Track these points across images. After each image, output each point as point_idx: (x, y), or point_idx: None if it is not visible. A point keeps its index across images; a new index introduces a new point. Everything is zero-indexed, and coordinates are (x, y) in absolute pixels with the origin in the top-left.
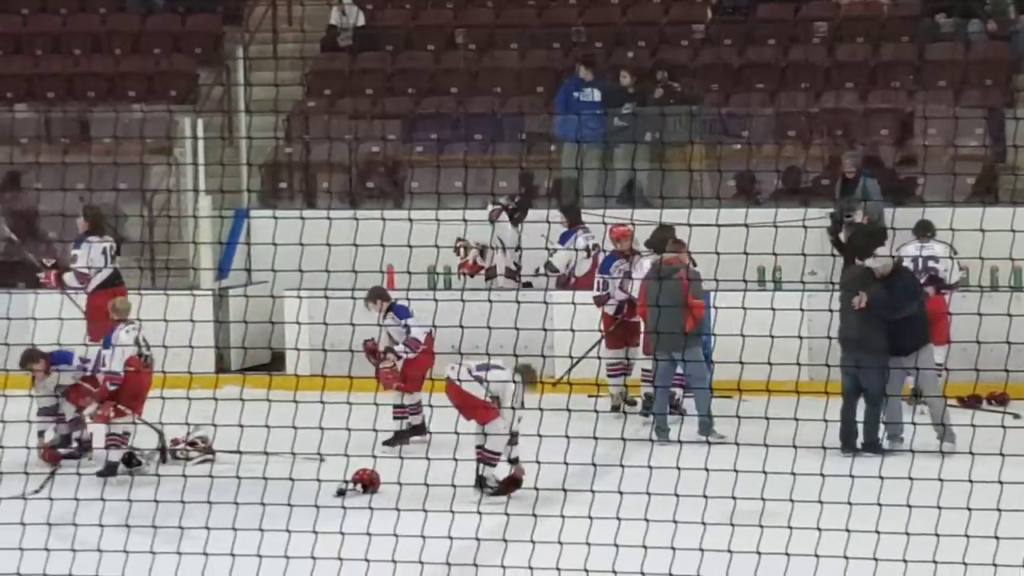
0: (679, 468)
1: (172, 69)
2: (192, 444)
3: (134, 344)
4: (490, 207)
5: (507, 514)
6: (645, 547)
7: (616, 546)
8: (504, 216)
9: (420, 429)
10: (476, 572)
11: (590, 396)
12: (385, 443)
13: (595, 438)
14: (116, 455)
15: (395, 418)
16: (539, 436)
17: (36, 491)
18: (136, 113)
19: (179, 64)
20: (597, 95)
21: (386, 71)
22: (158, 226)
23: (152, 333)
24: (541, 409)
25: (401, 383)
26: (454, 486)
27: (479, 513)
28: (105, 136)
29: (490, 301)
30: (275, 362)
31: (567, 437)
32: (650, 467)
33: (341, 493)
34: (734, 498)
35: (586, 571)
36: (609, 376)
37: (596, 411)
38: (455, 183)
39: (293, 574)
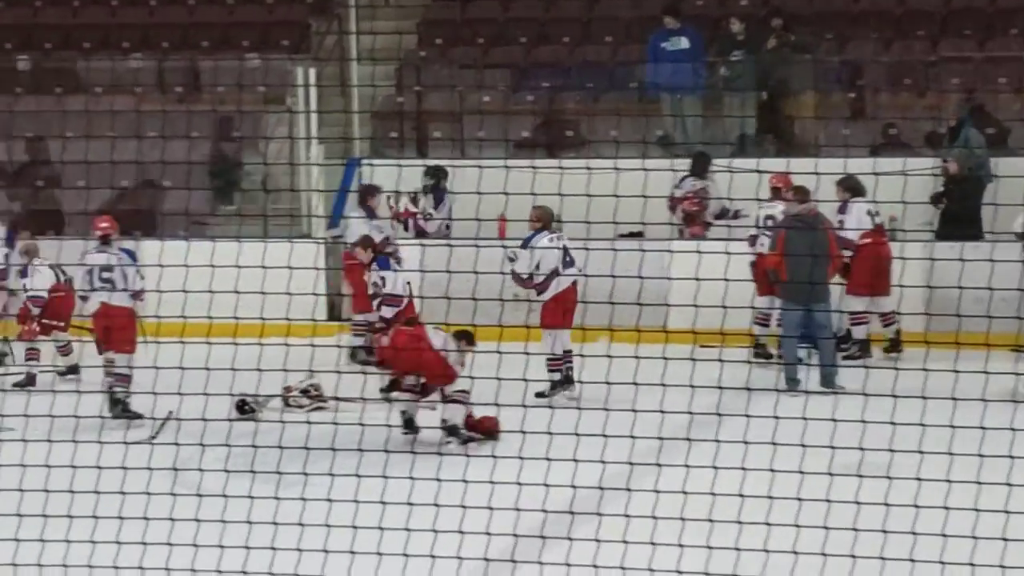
0: (805, 419)
1: (285, 18)
2: (305, 392)
3: (50, 269)
4: None
5: (630, 463)
6: (771, 497)
7: (741, 496)
8: None
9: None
10: (599, 521)
11: (702, 346)
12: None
13: (720, 387)
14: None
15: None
16: (663, 385)
17: (152, 437)
18: (250, 62)
19: (292, 13)
20: (685, 43)
21: (498, 20)
22: (272, 174)
23: (267, 281)
24: (665, 359)
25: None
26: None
27: (602, 462)
28: (218, 85)
29: (614, 250)
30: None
31: (692, 387)
32: (776, 417)
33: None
34: (862, 449)
35: (711, 520)
36: (756, 324)
37: (721, 360)
38: (567, 132)
39: (417, 521)
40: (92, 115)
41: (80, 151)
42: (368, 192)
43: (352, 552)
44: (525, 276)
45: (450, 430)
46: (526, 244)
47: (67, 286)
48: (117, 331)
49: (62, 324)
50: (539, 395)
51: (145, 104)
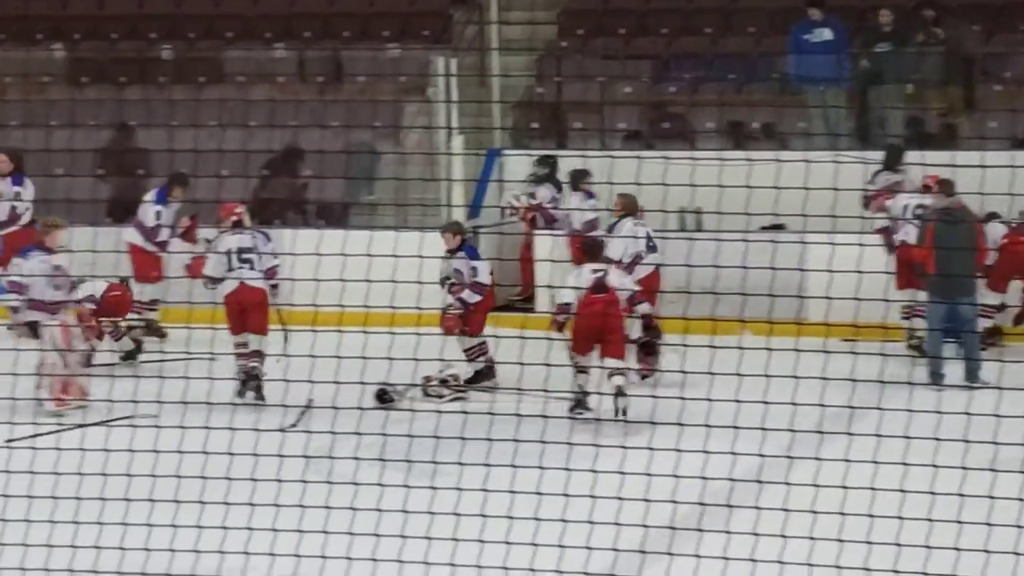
0: (940, 412)
1: (426, 8)
2: (444, 382)
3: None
4: None
5: (761, 455)
6: (903, 491)
7: (872, 489)
8: None
9: (489, 372)
10: (729, 513)
11: (844, 340)
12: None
13: (852, 380)
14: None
15: (469, 360)
16: (795, 378)
17: (293, 425)
18: (391, 52)
19: (433, 3)
20: (828, 34)
21: (639, 10)
22: (412, 164)
23: (406, 271)
24: (797, 350)
25: (464, 327)
26: (681, 425)
27: (732, 454)
28: (358, 75)
29: (745, 241)
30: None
31: (824, 379)
32: (910, 411)
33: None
34: (995, 443)
35: (842, 514)
36: (903, 319)
37: (854, 353)
38: (707, 124)
39: (546, 511)
40: (233, 104)
41: (220, 140)
42: (580, 176)
43: (481, 541)
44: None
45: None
46: (611, 232)
47: (122, 285)
48: (253, 311)
49: (119, 320)
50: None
51: (286, 94)
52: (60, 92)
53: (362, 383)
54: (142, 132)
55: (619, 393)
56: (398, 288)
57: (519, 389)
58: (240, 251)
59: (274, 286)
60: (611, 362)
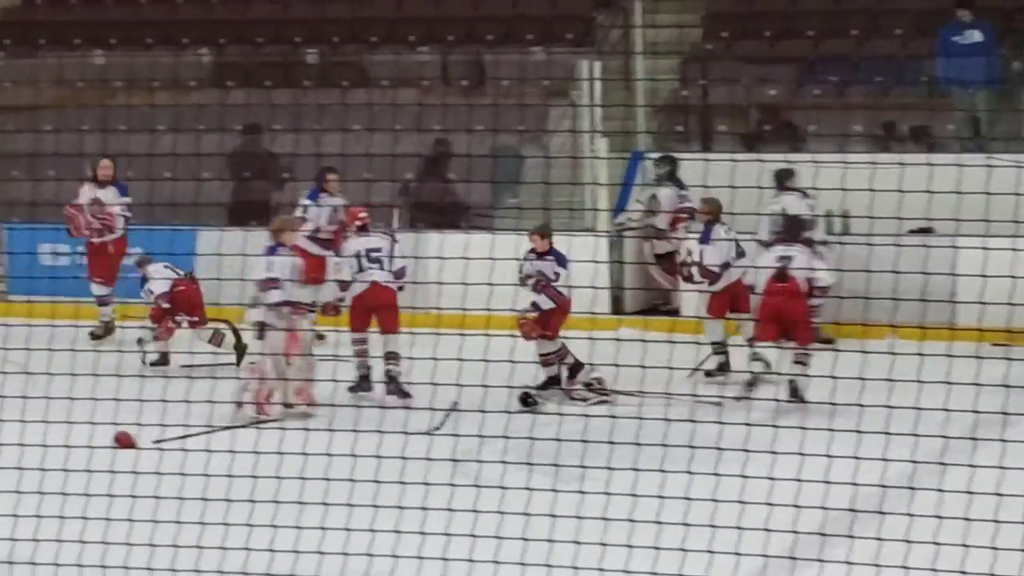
0: None
1: (570, 12)
2: (588, 385)
3: (166, 268)
4: None
5: (913, 461)
6: None
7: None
8: None
9: (557, 380)
10: (881, 520)
11: (994, 344)
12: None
13: (1007, 386)
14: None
15: (544, 366)
16: (947, 384)
17: (438, 427)
18: (535, 56)
19: (577, 7)
20: (977, 36)
21: (785, 12)
22: (556, 168)
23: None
24: (950, 356)
25: (541, 332)
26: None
27: (884, 460)
28: (502, 78)
29: (897, 245)
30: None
31: (977, 385)
32: None
33: None
34: None
35: (996, 521)
36: None
37: (1008, 359)
38: (854, 127)
39: (695, 516)
40: (378, 108)
41: (365, 144)
42: (786, 176)
43: (629, 546)
44: (716, 270)
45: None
46: (706, 238)
47: (188, 280)
48: (384, 312)
49: (195, 318)
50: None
51: (430, 97)
52: (206, 96)
53: (509, 387)
54: (287, 136)
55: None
56: None
57: (667, 394)
58: (369, 252)
59: (401, 288)
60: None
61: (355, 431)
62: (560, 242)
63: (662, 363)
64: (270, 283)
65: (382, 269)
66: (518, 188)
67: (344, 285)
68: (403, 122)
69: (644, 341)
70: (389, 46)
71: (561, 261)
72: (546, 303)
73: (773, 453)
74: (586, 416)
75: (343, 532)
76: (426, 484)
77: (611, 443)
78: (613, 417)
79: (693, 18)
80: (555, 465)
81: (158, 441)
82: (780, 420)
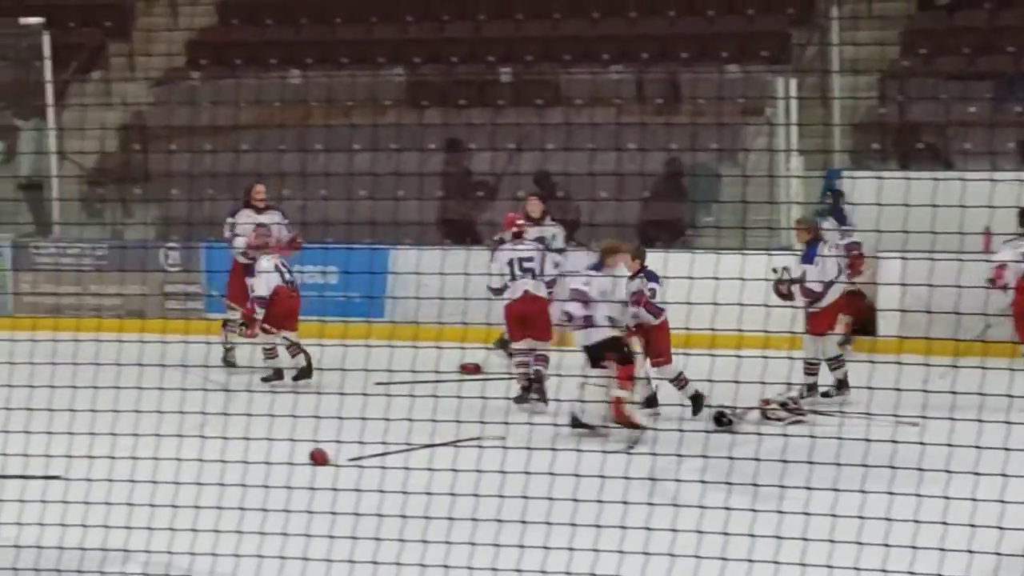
0: None
1: (766, 29)
2: (783, 404)
3: (276, 271)
4: None
5: None
6: None
7: None
8: None
9: (652, 401)
10: None
11: None
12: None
13: None
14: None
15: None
16: None
17: (630, 447)
18: (729, 74)
19: (773, 24)
20: None
21: (984, 29)
22: (752, 186)
23: (745, 293)
24: None
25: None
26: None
27: None
28: (697, 96)
29: None
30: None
31: None
32: None
33: None
34: None
35: None
36: None
37: None
38: None
39: (896, 537)
40: (572, 127)
41: (559, 163)
42: None
43: (829, 567)
44: (819, 290)
45: None
46: (810, 257)
47: (291, 289)
48: (537, 318)
49: (270, 327)
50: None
51: (624, 116)
52: (401, 115)
53: (707, 406)
54: (481, 155)
55: None
56: (744, 311)
57: (867, 413)
58: (522, 261)
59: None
60: None
61: (552, 450)
62: (758, 261)
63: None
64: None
65: (534, 278)
66: (712, 206)
67: (497, 292)
68: (594, 140)
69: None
70: (583, 64)
71: (653, 277)
72: (651, 320)
73: (975, 475)
74: (784, 435)
75: (541, 550)
76: (624, 503)
77: (810, 463)
78: (812, 437)
79: (891, 35)
80: (754, 484)
81: (355, 459)
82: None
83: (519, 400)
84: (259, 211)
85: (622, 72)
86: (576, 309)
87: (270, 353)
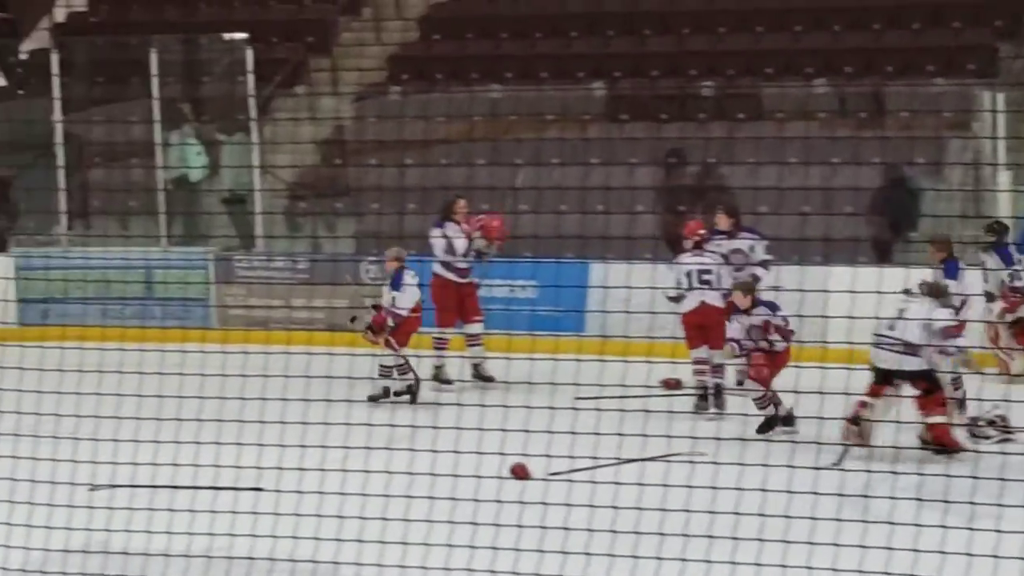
0: None
1: (972, 42)
2: (991, 423)
3: (418, 287)
4: None
5: None
6: None
7: None
8: None
9: (788, 420)
10: None
11: None
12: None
13: None
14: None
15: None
16: None
17: (835, 464)
18: (934, 87)
19: (979, 37)
20: None
21: None
22: (955, 201)
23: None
24: None
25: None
26: None
27: None
28: (901, 110)
29: None
30: None
31: None
32: None
33: None
34: None
35: None
36: None
37: None
38: None
39: None
40: (774, 141)
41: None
42: None
43: None
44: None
45: None
46: (952, 273)
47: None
48: (712, 329)
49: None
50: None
51: (828, 130)
52: (600, 129)
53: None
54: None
55: None
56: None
57: None
58: (700, 273)
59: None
60: None
61: (765, 466)
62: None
63: None
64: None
65: (712, 289)
66: (916, 221)
67: (673, 301)
68: (801, 155)
69: None
70: (786, 78)
71: (774, 308)
72: (781, 346)
73: None
74: (976, 452)
75: (728, 565)
76: (812, 519)
77: (1002, 480)
78: (1004, 454)
79: None
80: (945, 501)
81: (554, 474)
82: None
83: (697, 410)
84: (459, 225)
85: (825, 86)
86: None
87: (402, 369)
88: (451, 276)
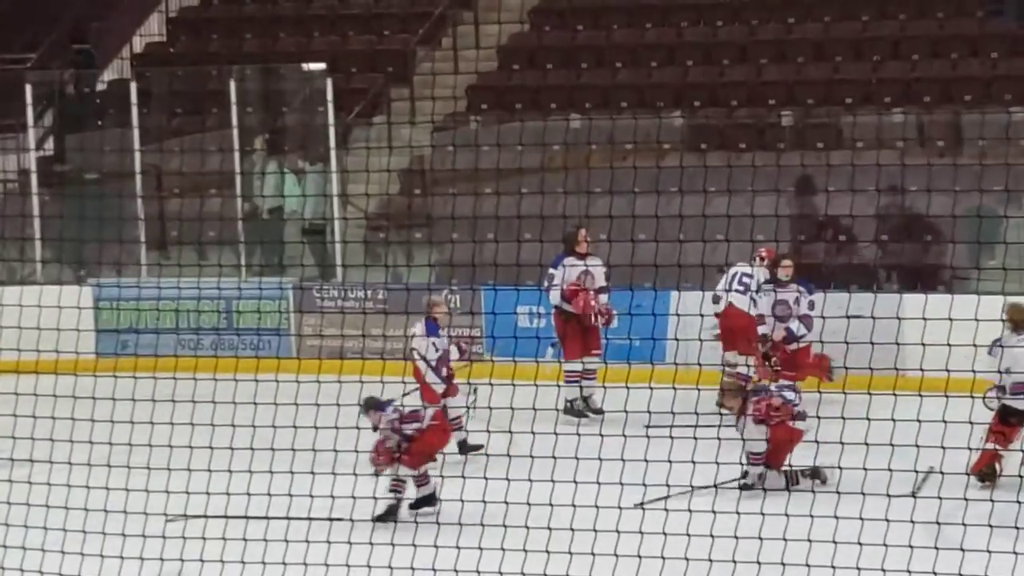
0: None
1: None
2: None
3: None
4: None
5: None
6: None
7: None
8: None
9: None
10: None
11: None
12: None
13: None
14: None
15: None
16: None
17: (914, 492)
18: (1014, 115)
19: None
20: None
21: None
22: None
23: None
24: None
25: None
26: None
27: None
28: (981, 138)
29: None
30: None
31: None
32: None
33: None
34: None
35: None
36: None
37: None
38: None
39: None
40: (855, 169)
41: (844, 206)
42: None
43: None
44: None
45: None
46: None
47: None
48: (739, 332)
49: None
50: None
51: (907, 158)
52: (680, 159)
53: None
54: (761, 198)
55: None
56: None
57: None
58: (742, 275)
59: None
60: None
61: (811, 490)
62: None
63: None
64: None
65: (744, 293)
66: (994, 249)
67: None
68: (881, 183)
69: None
70: (865, 107)
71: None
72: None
73: None
74: None
75: None
76: (910, 547)
77: None
78: None
79: None
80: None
81: (640, 504)
82: None
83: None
84: (581, 257)
85: (904, 114)
86: None
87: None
88: (570, 307)
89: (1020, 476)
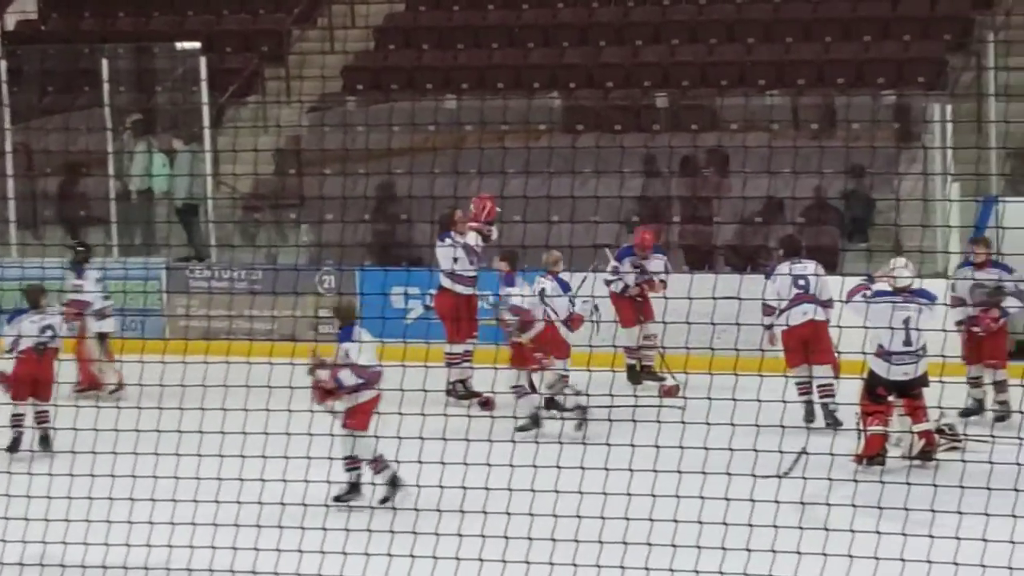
0: None
1: (921, 55)
2: (940, 431)
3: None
4: None
5: None
6: None
7: None
8: None
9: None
10: None
11: None
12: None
13: None
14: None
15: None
16: None
17: (787, 472)
18: (885, 99)
19: (928, 50)
20: None
21: None
22: (906, 211)
23: None
24: None
25: None
26: None
27: None
28: (852, 122)
29: None
30: None
31: None
32: None
33: None
34: None
35: None
36: None
37: None
38: None
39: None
40: (727, 151)
41: (713, 187)
42: None
43: None
44: None
45: None
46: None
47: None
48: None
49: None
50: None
51: (778, 141)
52: (556, 139)
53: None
54: (632, 180)
55: None
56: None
57: (1019, 437)
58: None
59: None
60: None
61: (728, 475)
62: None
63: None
64: None
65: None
66: (867, 232)
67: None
68: (751, 165)
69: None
70: (739, 89)
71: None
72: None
73: None
74: (936, 460)
75: (667, 572)
76: (775, 527)
77: (961, 487)
78: (963, 462)
79: None
80: (905, 509)
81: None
82: None
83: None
84: (461, 235)
85: (777, 97)
86: None
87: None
88: (459, 288)
89: (907, 458)
